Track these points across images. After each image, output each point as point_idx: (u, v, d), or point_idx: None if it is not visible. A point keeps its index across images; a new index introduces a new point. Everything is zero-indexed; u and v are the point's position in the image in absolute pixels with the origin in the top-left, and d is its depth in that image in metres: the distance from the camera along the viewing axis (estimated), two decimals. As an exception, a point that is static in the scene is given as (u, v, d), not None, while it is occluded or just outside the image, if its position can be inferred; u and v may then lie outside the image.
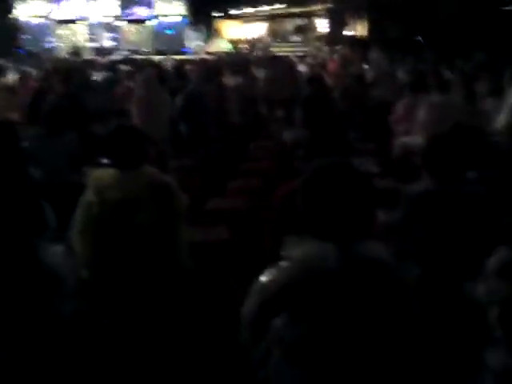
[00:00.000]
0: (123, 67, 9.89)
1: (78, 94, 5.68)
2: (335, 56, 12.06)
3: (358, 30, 18.02)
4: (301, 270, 1.47)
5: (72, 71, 6.44)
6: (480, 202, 2.39)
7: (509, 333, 1.60)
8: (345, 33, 18.38)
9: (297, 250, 1.50)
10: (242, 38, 21.84)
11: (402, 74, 8.28)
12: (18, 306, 2.33)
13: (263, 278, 1.55)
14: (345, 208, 1.48)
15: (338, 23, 18.49)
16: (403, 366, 1.52)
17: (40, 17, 20.83)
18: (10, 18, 20.41)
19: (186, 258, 2.53)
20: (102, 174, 2.50)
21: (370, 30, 17.40)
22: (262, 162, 5.11)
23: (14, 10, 20.51)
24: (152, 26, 21.53)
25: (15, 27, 20.49)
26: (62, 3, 21.05)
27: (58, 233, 2.64)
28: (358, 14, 18.01)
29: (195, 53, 19.16)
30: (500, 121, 4.85)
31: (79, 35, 21.25)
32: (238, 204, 3.79)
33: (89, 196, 2.43)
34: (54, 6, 20.92)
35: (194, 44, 20.26)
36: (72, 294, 2.61)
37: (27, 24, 20.88)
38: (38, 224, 2.46)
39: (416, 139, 5.05)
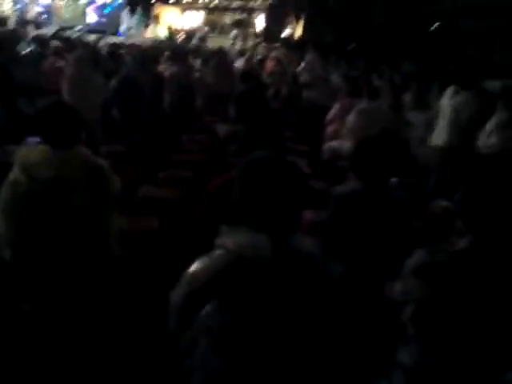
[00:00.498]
0: (54, 43, 9.47)
1: (5, 66, 5.39)
2: (273, 54, 12.21)
3: (295, 30, 18.29)
4: (233, 258, 1.49)
5: (1, 41, 6.09)
6: (401, 206, 2.54)
7: (421, 331, 1.73)
8: (283, 32, 18.61)
9: (230, 239, 1.52)
10: (180, 26, 21.54)
11: (335, 78, 8.52)
12: None
13: (193, 267, 1.56)
14: (279, 200, 1.52)
15: (276, 21, 18.67)
16: (321, 358, 1.60)
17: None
18: None
19: (115, 244, 2.49)
20: (30, 152, 2.40)
21: (307, 32, 17.72)
22: (194, 154, 5.10)
23: None
24: (85, 3, 20.72)
25: None
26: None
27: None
28: (296, 14, 18.27)
29: (130, 36, 18.66)
30: (488, 140, 4.93)
31: (5, 4, 20.06)
32: (169, 194, 3.77)
33: (15, 174, 2.32)
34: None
35: (130, 28, 19.70)
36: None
37: None
38: None
39: (344, 144, 5.25)
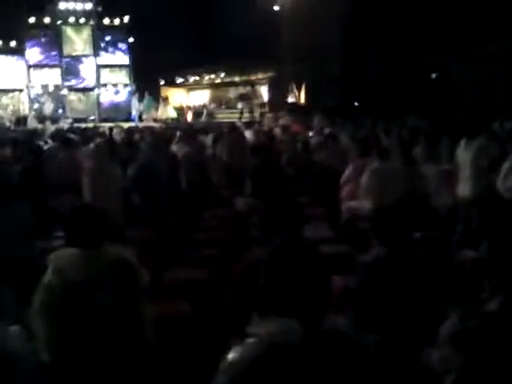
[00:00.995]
0: (70, 135, 9.91)
1: (37, 167, 5.65)
2: (280, 122, 12.59)
3: (298, 97, 18.90)
4: (266, 346, 1.51)
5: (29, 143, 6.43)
6: (427, 265, 2.55)
7: None
8: (287, 100, 19.23)
9: (261, 328, 1.55)
10: (188, 104, 22.38)
11: (344, 139, 8.72)
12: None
13: (230, 356, 1.59)
14: (306, 285, 1.56)
15: (279, 91, 19.37)
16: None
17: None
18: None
19: (150, 334, 2.52)
20: (62, 254, 2.49)
21: (310, 98, 18.31)
22: (216, 230, 5.17)
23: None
24: (96, 94, 21.76)
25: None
26: (5, 72, 21.00)
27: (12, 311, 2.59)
28: (297, 82, 18.98)
29: (142, 120, 19.40)
30: (505, 183, 4.92)
31: (21, 104, 21.14)
32: (196, 275, 3.81)
33: (49, 277, 2.41)
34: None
35: (140, 111, 20.52)
36: (31, 377, 2.54)
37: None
38: None
39: (362, 204, 5.30)
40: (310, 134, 10.62)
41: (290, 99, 18.92)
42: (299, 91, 18.83)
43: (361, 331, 1.81)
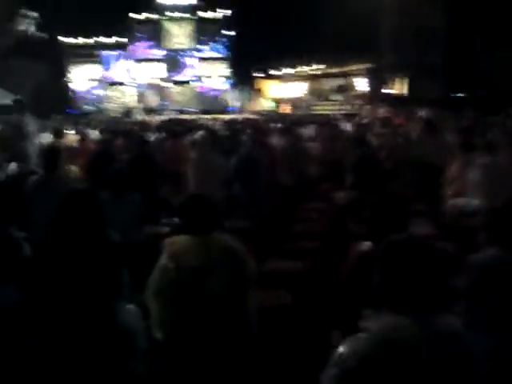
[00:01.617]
0: (172, 126, 10.38)
1: (150, 156, 5.99)
2: (380, 115, 12.28)
3: (398, 89, 18.30)
4: (379, 342, 1.53)
5: (143, 136, 6.83)
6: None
7: None
8: (384, 91, 18.70)
9: (376, 323, 1.57)
10: (283, 97, 22.48)
11: (446, 134, 8.33)
12: (93, 362, 2.45)
13: (343, 349, 1.61)
14: (421, 282, 1.56)
15: (378, 83, 18.87)
16: None
17: (92, 80, 22.16)
18: (64, 81, 21.81)
19: (254, 323, 2.60)
20: (177, 240, 2.64)
21: (411, 89, 17.66)
22: (315, 223, 5.18)
23: (68, 74, 21.93)
24: (196, 86, 22.53)
25: (68, 90, 21.85)
26: (112, 67, 22.37)
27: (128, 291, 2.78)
28: (396, 73, 18.38)
29: (239, 112, 19.80)
30: None
31: (128, 96, 22.42)
32: (296, 266, 3.85)
33: (165, 261, 2.56)
34: (104, 69, 22.26)
35: (237, 103, 20.95)
36: (143, 354, 2.72)
37: (80, 86, 22.22)
38: (116, 285, 2.60)
39: (469, 201, 5.06)
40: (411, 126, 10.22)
41: (390, 90, 18.38)
42: (400, 82, 18.23)
43: (472, 333, 1.76)
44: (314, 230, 4.82)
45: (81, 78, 22.21)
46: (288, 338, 3.13)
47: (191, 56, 22.50)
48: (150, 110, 19.55)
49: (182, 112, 19.77)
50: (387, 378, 1.51)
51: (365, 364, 1.53)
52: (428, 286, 1.57)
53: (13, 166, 5.72)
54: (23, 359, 2.55)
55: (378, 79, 18.91)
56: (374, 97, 17.92)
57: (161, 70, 22.55)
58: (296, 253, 4.24)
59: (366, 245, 2.51)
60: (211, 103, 21.95)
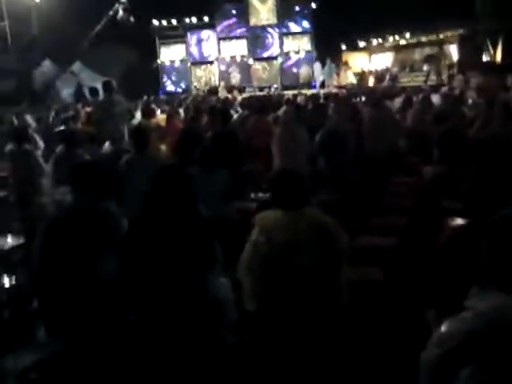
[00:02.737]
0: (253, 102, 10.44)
1: (234, 133, 6.09)
2: (473, 84, 11.59)
3: (494, 55, 17.10)
4: (486, 322, 1.45)
5: (226, 112, 6.95)
6: None
7: None
8: (479, 60, 17.53)
9: (482, 302, 1.49)
10: (370, 69, 21.81)
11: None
12: (187, 333, 2.56)
13: (446, 328, 1.55)
14: None
15: (470, 50, 17.71)
16: None
17: (180, 60, 22.75)
18: (154, 63, 22.60)
19: (344, 297, 2.59)
20: (268, 215, 2.66)
21: (508, 55, 16.43)
22: (402, 198, 5.02)
23: (160, 56, 22.70)
24: (279, 62, 22.42)
25: (159, 70, 22.62)
26: (199, 46, 22.79)
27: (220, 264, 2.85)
28: (492, 39, 17.13)
29: (323, 86, 19.50)
30: None
31: (212, 75, 22.80)
32: (386, 242, 3.77)
33: (256, 235, 2.60)
34: (191, 49, 22.73)
35: (321, 78, 20.61)
36: (234, 325, 2.80)
37: (169, 67, 22.92)
38: (209, 258, 2.69)
39: None
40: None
41: (485, 58, 17.20)
42: (495, 49, 17.00)
43: None
44: (403, 204, 4.67)
45: (170, 58, 22.88)
46: (380, 315, 3.09)
47: (274, 32, 22.35)
48: (233, 88, 19.75)
49: (264, 89, 19.78)
50: (493, 361, 1.44)
51: (470, 344, 1.47)
52: None
53: (107, 146, 6.02)
54: (126, 330, 2.71)
55: (471, 46, 17.73)
56: (466, 65, 16.84)
57: (244, 47, 22.64)
58: (385, 228, 4.14)
59: (461, 220, 2.39)
60: (295, 78, 21.78)
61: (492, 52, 17.05)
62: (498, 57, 16.96)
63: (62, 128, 7.38)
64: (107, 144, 5.98)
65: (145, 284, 2.55)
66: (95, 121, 7.88)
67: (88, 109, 10.69)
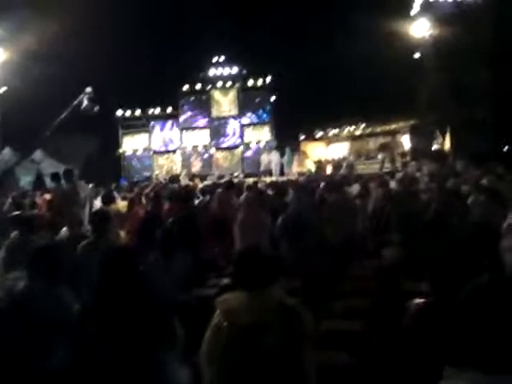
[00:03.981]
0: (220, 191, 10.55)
1: (193, 217, 6.08)
2: (424, 171, 12.11)
3: (443, 145, 18.11)
4: None
5: (187, 197, 6.98)
6: None
7: None
8: (430, 148, 18.50)
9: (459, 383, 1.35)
10: (327, 158, 22.59)
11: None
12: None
13: None
14: None
15: (421, 139, 18.73)
16: None
17: (143, 149, 23.09)
18: (117, 152, 22.85)
19: (312, 381, 2.46)
20: (230, 298, 2.57)
21: (455, 145, 17.43)
22: (364, 281, 5.03)
23: (122, 144, 23.00)
24: (240, 151, 23.03)
25: (121, 159, 22.83)
26: (160, 136, 23.26)
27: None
28: (441, 129, 18.22)
29: (282, 174, 19.99)
30: None
31: (174, 164, 23.12)
32: (352, 326, 3.71)
33: (218, 320, 2.49)
34: (154, 138, 23.17)
35: (281, 166, 21.15)
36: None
37: (132, 156, 23.18)
38: (163, 339, 2.51)
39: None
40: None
41: (435, 146, 18.19)
42: (444, 138, 18.06)
43: None
44: (365, 287, 4.67)
45: (133, 147, 23.19)
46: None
47: (235, 123, 23.16)
48: (194, 176, 20.00)
49: (225, 176, 20.11)
50: None
51: None
52: None
53: (63, 232, 5.88)
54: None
55: (421, 136, 18.79)
56: (417, 154, 17.72)
57: (206, 137, 23.27)
58: (348, 312, 4.09)
59: (424, 300, 2.38)
60: (256, 167, 22.30)
61: (441, 141, 18.07)
62: (447, 145, 17.97)
63: (18, 213, 7.19)
64: (64, 229, 5.83)
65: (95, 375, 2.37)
66: (55, 206, 7.75)
67: (47, 196, 10.54)
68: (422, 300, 2.34)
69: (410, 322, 2.30)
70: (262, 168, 21.84)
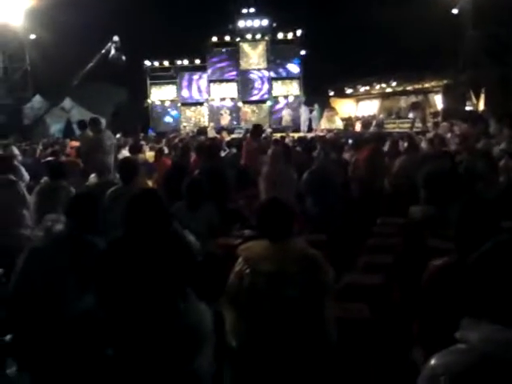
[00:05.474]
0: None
1: (220, 169, 6.11)
2: (456, 131, 11.84)
3: (476, 105, 17.57)
4: (480, 355, 1.36)
5: (214, 148, 6.99)
6: None
7: None
8: (462, 109, 17.99)
9: (474, 334, 1.39)
10: (357, 115, 22.23)
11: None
12: (160, 363, 2.45)
13: (437, 361, 1.47)
14: None
15: (454, 99, 18.20)
16: None
17: (171, 101, 23.04)
18: (146, 102, 22.87)
19: (332, 331, 2.51)
20: (253, 246, 2.61)
21: (489, 105, 16.90)
22: (389, 238, 5.01)
23: (150, 95, 22.98)
24: (268, 106, 22.78)
25: (149, 110, 22.87)
26: (188, 88, 23.12)
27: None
28: (475, 90, 17.64)
29: (311, 130, 19.79)
30: None
31: (202, 116, 23.07)
32: (373, 280, 3.73)
33: (240, 266, 2.54)
34: (182, 90, 23.04)
35: (308, 122, 20.93)
36: (213, 354, 2.63)
37: (159, 107, 23.17)
38: (182, 285, 2.56)
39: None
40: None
41: (468, 107, 17.68)
42: (477, 98, 17.51)
43: None
44: (390, 243, 4.66)
45: (161, 98, 23.16)
46: (367, 352, 3.01)
47: (264, 76, 22.82)
48: (222, 129, 19.94)
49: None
50: None
51: (463, 379, 1.37)
52: None
53: (92, 178, 5.98)
54: (102, 365, 2.60)
55: (454, 96, 18.24)
56: (450, 114, 17.26)
57: (234, 90, 23.03)
58: (372, 267, 4.10)
59: (446, 258, 2.37)
60: (284, 122, 22.11)
61: (475, 101, 17.53)
62: (481, 106, 17.44)
63: (48, 159, 7.34)
64: (93, 176, 5.93)
65: (119, 315, 2.44)
66: (83, 153, 7.86)
67: (76, 143, 10.68)
68: (443, 259, 2.32)
69: (426, 281, 2.30)
70: (283, 123, 21.64)
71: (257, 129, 8.77)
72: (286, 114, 22.11)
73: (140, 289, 2.36)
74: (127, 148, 9.20)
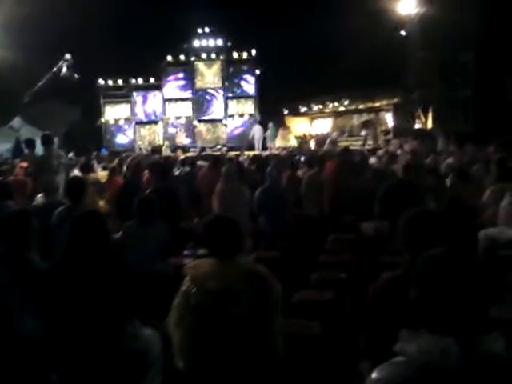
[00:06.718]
0: (200, 162, 10.54)
1: (171, 188, 6.05)
2: (406, 148, 12.20)
3: (425, 123, 18.20)
4: (418, 366, 1.38)
5: (167, 167, 6.94)
6: None
7: None
8: (412, 127, 18.58)
9: (412, 345, 1.42)
10: (311, 133, 22.57)
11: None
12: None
13: (377, 374, 1.48)
14: (464, 298, 1.42)
15: (404, 117, 18.81)
16: None
17: (125, 119, 22.78)
18: (100, 121, 22.52)
19: (281, 347, 2.50)
20: (199, 264, 2.58)
21: (437, 123, 17.54)
22: (342, 254, 5.08)
23: (104, 114, 22.65)
24: (223, 124, 22.86)
25: (103, 129, 22.53)
26: (143, 106, 22.94)
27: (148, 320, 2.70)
28: (424, 108, 18.29)
29: (265, 148, 19.94)
30: None
31: (157, 135, 22.89)
32: (324, 296, 3.75)
33: (187, 285, 2.50)
34: (136, 109, 22.84)
35: (263, 141, 21.09)
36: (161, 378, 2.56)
37: (113, 126, 22.87)
38: (127, 308, 2.50)
39: (501, 231, 4.88)
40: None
41: (417, 125, 18.29)
42: (426, 117, 18.15)
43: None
44: (342, 260, 4.71)
45: (115, 117, 22.86)
46: (317, 368, 3.02)
47: (219, 95, 22.92)
48: (177, 147, 19.84)
49: (206, 149, 20.03)
50: None
51: None
52: (471, 303, 1.43)
53: (39, 198, 5.82)
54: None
55: (404, 114, 18.86)
56: (400, 131, 17.82)
57: (189, 108, 23.01)
58: (323, 283, 4.13)
59: (390, 273, 2.41)
60: (238, 140, 22.19)
61: (423, 119, 18.16)
62: (429, 124, 18.08)
63: (-6, 180, 7.10)
64: (40, 196, 5.76)
65: (62, 338, 2.35)
66: (30, 173, 7.65)
67: (25, 164, 10.37)
68: (388, 273, 2.36)
69: (371, 295, 2.33)
70: (238, 142, 21.74)
71: (216, 163, 8.14)
72: (241, 133, 22.25)
73: (81, 312, 2.28)
74: (76, 168, 9.01)
